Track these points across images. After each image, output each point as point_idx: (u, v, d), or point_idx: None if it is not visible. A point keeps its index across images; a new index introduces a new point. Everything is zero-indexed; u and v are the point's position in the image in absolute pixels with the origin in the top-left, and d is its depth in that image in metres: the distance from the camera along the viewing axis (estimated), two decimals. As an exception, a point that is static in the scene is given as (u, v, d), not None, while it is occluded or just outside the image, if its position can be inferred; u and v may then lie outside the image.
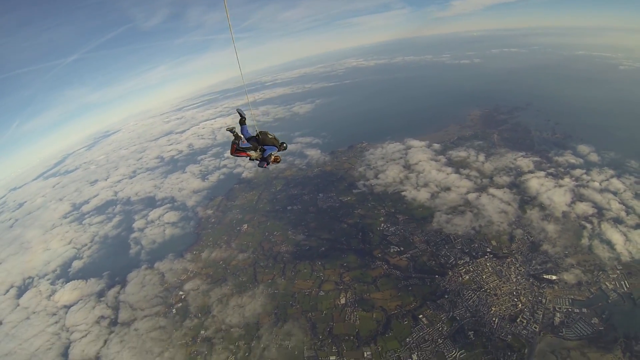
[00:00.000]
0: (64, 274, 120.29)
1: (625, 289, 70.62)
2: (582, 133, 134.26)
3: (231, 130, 22.65)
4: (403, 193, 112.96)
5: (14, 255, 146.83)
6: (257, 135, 22.28)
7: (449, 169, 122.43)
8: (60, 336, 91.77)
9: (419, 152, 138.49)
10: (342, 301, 79.06)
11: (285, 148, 22.73)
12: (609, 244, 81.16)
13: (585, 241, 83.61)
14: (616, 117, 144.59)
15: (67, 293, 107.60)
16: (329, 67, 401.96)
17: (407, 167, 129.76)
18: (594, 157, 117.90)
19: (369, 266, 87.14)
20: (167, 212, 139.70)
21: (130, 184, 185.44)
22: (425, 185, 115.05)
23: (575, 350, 62.01)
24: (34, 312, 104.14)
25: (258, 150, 22.06)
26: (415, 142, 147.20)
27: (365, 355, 67.67)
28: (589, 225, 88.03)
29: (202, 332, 79.50)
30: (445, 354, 65.68)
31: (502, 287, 75.83)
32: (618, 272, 74.39)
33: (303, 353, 70.03)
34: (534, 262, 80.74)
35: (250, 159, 22.08)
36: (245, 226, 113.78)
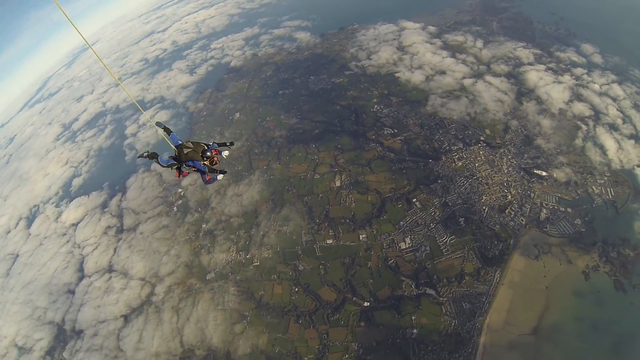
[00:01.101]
0: (67, 194, 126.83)
1: (610, 197, 73.42)
2: (587, 32, 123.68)
3: (146, 155, 20.77)
4: (397, 75, 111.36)
5: (16, 189, 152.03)
6: (176, 152, 19.71)
7: (445, 53, 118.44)
8: (74, 253, 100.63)
9: (414, 34, 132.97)
10: (337, 184, 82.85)
11: (211, 157, 19.27)
12: (602, 149, 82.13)
13: (578, 142, 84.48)
14: (626, 21, 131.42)
15: (72, 212, 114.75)
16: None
17: (401, 48, 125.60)
18: (597, 59, 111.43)
19: (363, 148, 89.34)
20: (157, 112, 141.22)
21: (117, 92, 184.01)
22: (420, 67, 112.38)
23: (556, 247, 67.19)
24: (46, 237, 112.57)
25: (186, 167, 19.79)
26: (409, 24, 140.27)
27: (361, 238, 72.94)
28: (584, 127, 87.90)
29: (204, 225, 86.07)
30: (437, 238, 70.48)
31: (494, 177, 78.55)
32: (606, 178, 76.48)
33: (301, 237, 76.05)
34: (526, 155, 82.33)
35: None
36: (238, 115, 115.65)
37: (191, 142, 19.48)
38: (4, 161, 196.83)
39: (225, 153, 19.88)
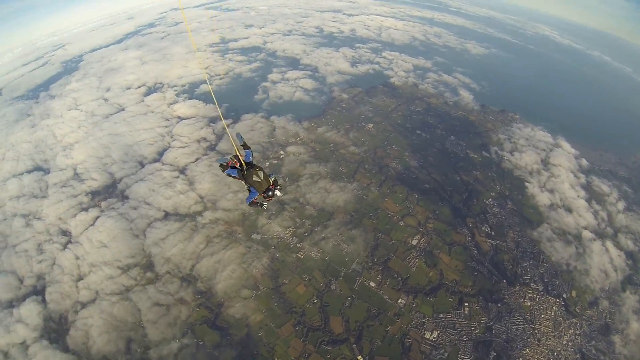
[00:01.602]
0: (190, 92, 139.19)
1: None
2: None
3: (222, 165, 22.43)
4: (526, 184, 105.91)
5: (155, 62, 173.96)
6: (244, 170, 20.86)
7: (582, 193, 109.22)
8: (164, 139, 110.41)
9: (564, 157, 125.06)
10: (414, 242, 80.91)
11: (271, 197, 20.33)
12: None
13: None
14: None
15: (185, 107, 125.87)
16: (518, 23, 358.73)
17: (545, 163, 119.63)
18: None
19: (455, 228, 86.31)
20: (305, 77, 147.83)
21: (281, 40, 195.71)
22: (551, 191, 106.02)
23: None
24: (152, 112, 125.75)
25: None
26: (565, 145, 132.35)
27: (399, 301, 70.37)
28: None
29: (279, 194, 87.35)
30: (460, 354, 65.75)
31: (550, 339, 70.64)
32: None
33: (352, 263, 75.23)
34: (593, 342, 72.28)
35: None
36: (370, 126, 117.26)
37: (262, 173, 20.29)
38: (160, 36, 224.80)
39: (278, 193, 20.61)
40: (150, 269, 75.67)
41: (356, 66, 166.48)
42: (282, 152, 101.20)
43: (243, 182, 20.98)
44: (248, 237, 79.44)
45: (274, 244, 78.38)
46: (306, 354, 63.07)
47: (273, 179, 20.70)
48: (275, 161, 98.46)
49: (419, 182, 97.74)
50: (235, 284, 70.98)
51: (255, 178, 20.05)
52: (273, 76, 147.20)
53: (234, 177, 21.49)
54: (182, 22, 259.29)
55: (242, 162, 20.85)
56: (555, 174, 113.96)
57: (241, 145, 22.25)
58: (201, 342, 64.01)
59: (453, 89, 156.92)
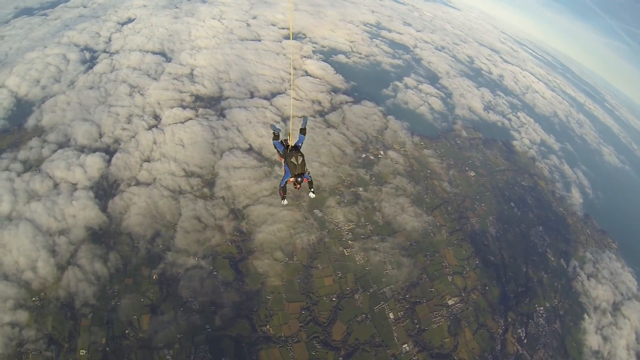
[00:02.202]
0: (326, 55, 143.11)
1: None
2: None
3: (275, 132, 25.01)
4: (585, 316, 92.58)
5: (308, 14, 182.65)
6: (287, 147, 22.77)
7: None
8: (283, 84, 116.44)
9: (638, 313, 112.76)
10: (449, 302, 75.85)
11: (299, 184, 21.62)
12: None
13: None
14: None
15: (315, 66, 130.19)
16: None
17: (616, 308, 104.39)
18: None
19: (494, 313, 79.21)
20: (436, 97, 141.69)
21: (431, 51, 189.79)
22: (605, 339, 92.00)
23: None
24: (284, 55, 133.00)
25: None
26: None
27: (404, 346, 66.82)
28: None
29: (361, 190, 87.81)
30: None
31: None
32: None
33: (385, 286, 72.88)
34: None
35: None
36: (472, 173, 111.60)
37: (301, 159, 21.51)
38: None
39: (312, 195, 23.79)
40: (209, 187, 78.86)
41: (488, 111, 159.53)
42: (381, 153, 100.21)
43: (281, 160, 23.11)
44: (310, 208, 79.72)
45: (329, 227, 77.92)
46: (296, 339, 62.30)
47: (309, 176, 22.64)
48: (372, 157, 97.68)
49: (487, 251, 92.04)
50: (275, 243, 71.76)
51: (293, 160, 21.43)
52: (409, 80, 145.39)
53: (277, 150, 23.96)
54: None
55: (289, 143, 22.78)
56: (618, 325, 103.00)
57: (301, 129, 23.99)
58: (215, 272, 65.61)
59: (567, 184, 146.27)
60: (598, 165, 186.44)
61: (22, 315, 56.00)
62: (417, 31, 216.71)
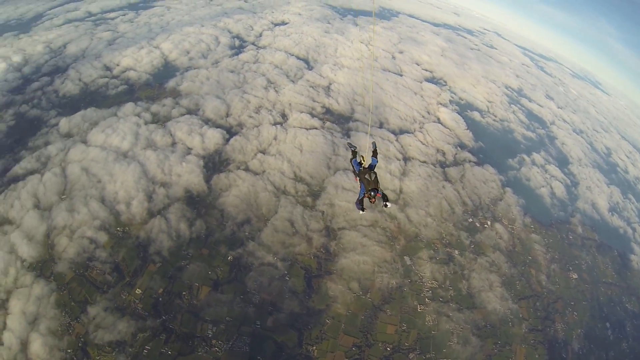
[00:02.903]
0: (461, 108, 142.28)
1: None
2: None
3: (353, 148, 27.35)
4: None
5: (452, 62, 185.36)
6: (362, 167, 24.40)
7: None
8: (413, 124, 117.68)
9: None
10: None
11: (374, 199, 22.04)
12: None
13: None
14: None
15: (449, 116, 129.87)
16: None
17: None
18: None
19: None
20: (561, 182, 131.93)
21: (568, 132, 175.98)
22: None
23: None
24: (422, 96, 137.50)
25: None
26: None
27: None
28: None
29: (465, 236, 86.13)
30: None
31: None
32: None
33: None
34: None
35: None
36: (574, 275, 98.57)
37: (374, 176, 23.05)
38: (470, 46, 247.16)
39: (389, 205, 23.90)
40: (313, 197, 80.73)
41: (612, 214, 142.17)
42: (488, 223, 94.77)
43: (357, 180, 24.52)
44: (401, 253, 77.54)
45: (412, 278, 75.20)
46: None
47: (382, 192, 22.86)
48: (477, 224, 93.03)
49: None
50: (355, 273, 70.51)
51: (367, 176, 23.02)
52: (537, 157, 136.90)
53: (353, 169, 25.49)
54: (497, 49, 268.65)
55: (364, 164, 24.76)
56: None
57: (373, 151, 25.98)
58: (287, 278, 66.46)
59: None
60: None
61: (102, 237, 62.83)
62: (558, 107, 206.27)
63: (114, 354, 52.17)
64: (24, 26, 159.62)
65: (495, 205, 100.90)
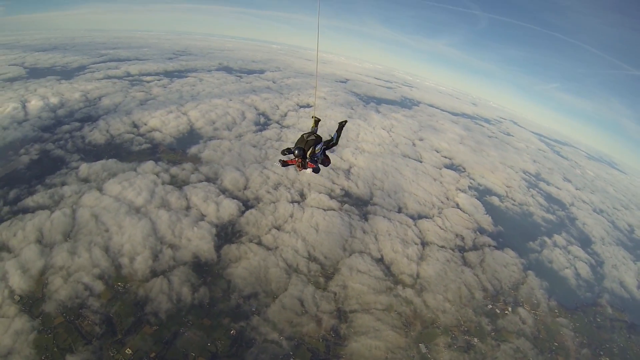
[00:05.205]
0: (480, 193, 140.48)
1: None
2: None
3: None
4: None
5: (471, 149, 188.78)
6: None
7: None
8: (432, 209, 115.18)
9: None
10: None
11: (304, 166, 18.57)
12: None
13: None
14: None
15: (467, 201, 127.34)
16: None
17: None
18: None
19: None
20: (585, 262, 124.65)
21: (588, 213, 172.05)
22: None
23: None
24: (440, 182, 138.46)
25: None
26: None
27: None
28: None
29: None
30: None
31: None
32: None
33: None
34: None
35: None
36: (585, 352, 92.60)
37: (314, 138, 18.68)
38: (488, 134, 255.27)
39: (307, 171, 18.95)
40: (326, 278, 76.56)
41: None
42: (509, 309, 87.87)
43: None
44: (417, 339, 71.27)
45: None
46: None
47: (318, 163, 19.07)
48: (498, 310, 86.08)
49: None
50: (366, 358, 64.67)
51: (303, 135, 18.91)
52: (558, 238, 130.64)
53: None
54: (513, 136, 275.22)
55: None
56: None
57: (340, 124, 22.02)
58: (292, 358, 61.39)
59: None
60: None
61: (99, 286, 60.56)
62: (577, 189, 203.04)
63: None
64: (67, 73, 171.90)
65: (517, 290, 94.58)
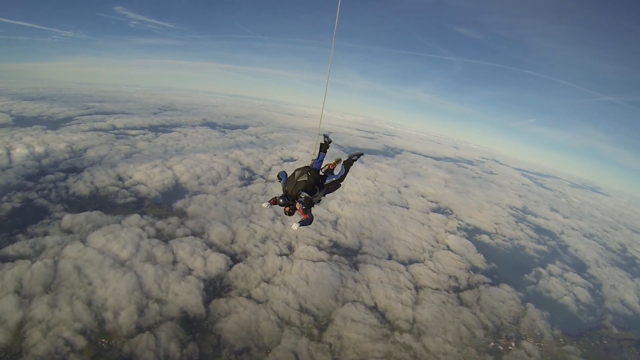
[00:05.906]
0: (470, 233, 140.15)
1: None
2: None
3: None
4: None
5: (456, 191, 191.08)
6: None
7: None
8: (422, 254, 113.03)
9: None
10: None
11: (290, 210, 15.95)
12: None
13: None
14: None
15: (457, 242, 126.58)
16: None
17: None
18: None
19: None
20: (583, 287, 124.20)
21: (579, 239, 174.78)
22: None
23: None
24: (429, 226, 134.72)
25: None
26: None
27: None
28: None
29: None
30: None
31: None
32: None
33: None
34: None
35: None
36: None
37: (307, 177, 16.28)
38: (472, 175, 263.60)
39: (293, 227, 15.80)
40: (319, 330, 73.12)
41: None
42: (512, 344, 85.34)
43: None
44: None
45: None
46: None
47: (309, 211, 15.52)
48: (501, 347, 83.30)
49: None
50: None
51: (296, 172, 16.56)
52: (553, 267, 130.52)
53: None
54: (496, 174, 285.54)
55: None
56: None
57: (325, 138, 19.12)
58: None
59: None
60: None
61: (81, 341, 56.25)
62: (564, 217, 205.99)
63: None
64: (53, 124, 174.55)
65: (519, 323, 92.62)
